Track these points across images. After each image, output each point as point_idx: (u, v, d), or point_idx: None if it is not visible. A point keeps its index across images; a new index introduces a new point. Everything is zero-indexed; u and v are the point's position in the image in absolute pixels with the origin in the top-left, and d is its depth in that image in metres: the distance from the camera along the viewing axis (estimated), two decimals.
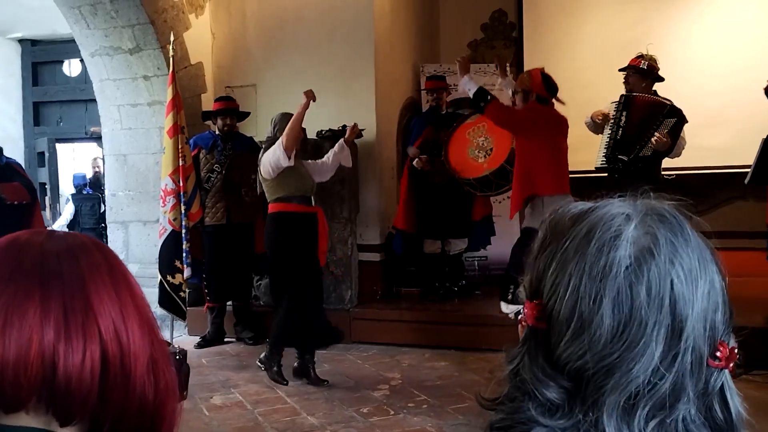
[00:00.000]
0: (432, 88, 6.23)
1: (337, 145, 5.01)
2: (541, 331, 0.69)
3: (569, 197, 4.17)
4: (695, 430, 0.66)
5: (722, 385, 0.68)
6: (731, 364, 0.68)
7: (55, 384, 0.69)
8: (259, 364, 4.64)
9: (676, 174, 6.90)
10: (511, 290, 4.14)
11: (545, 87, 4.21)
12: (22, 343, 0.69)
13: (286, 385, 4.50)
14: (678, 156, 5.34)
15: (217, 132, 5.81)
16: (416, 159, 5.75)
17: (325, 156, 5.00)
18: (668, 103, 5.03)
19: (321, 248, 4.72)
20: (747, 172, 5.03)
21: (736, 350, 0.68)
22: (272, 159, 4.48)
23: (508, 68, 4.76)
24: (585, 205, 0.73)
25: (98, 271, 0.75)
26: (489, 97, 4.24)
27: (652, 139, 4.87)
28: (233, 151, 5.79)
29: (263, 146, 4.70)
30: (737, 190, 6.70)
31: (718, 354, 0.67)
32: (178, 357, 0.93)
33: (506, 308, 4.26)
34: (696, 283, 0.67)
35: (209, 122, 5.98)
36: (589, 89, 5.90)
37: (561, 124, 4.43)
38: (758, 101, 6.60)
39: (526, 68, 7.48)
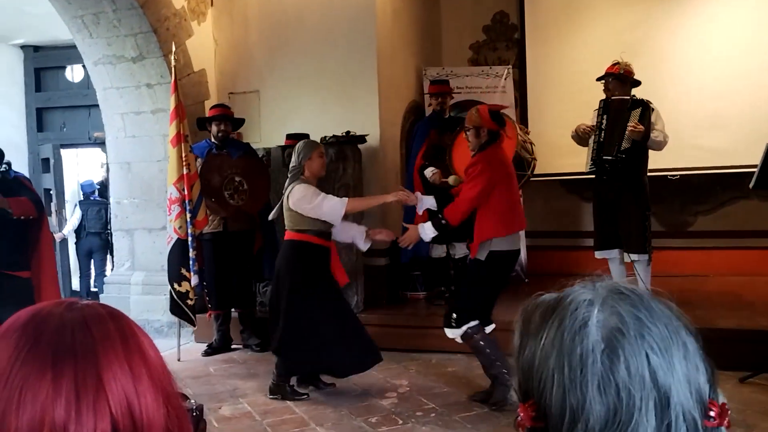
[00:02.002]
0: (436, 93, 6.23)
1: (363, 228, 4.62)
2: (540, 430, 0.71)
3: (518, 235, 4.40)
4: None
5: None
6: (726, 420, 0.70)
7: None
8: (270, 396, 4.55)
9: (680, 174, 6.92)
10: (454, 317, 4.22)
11: (494, 121, 4.22)
12: (33, 426, 0.70)
13: (308, 397, 4.53)
14: (660, 150, 5.41)
15: (212, 139, 5.81)
16: (432, 174, 5.61)
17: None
18: (629, 98, 5.37)
19: (339, 280, 4.70)
20: (750, 173, 5.04)
21: (726, 405, 0.70)
22: (319, 209, 4.31)
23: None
24: (550, 297, 0.76)
25: (111, 343, 0.75)
26: (440, 215, 4.19)
27: (627, 132, 5.23)
28: (229, 158, 5.78)
29: (289, 176, 4.48)
30: (740, 190, 6.70)
31: (711, 414, 0.69)
32: (195, 414, 0.93)
33: (451, 333, 4.32)
34: (670, 350, 0.69)
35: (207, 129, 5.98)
36: (590, 91, 5.90)
37: (509, 160, 4.48)
38: (759, 103, 6.62)
39: (528, 69, 7.51)
